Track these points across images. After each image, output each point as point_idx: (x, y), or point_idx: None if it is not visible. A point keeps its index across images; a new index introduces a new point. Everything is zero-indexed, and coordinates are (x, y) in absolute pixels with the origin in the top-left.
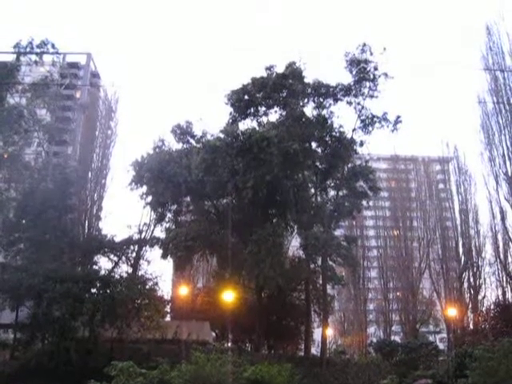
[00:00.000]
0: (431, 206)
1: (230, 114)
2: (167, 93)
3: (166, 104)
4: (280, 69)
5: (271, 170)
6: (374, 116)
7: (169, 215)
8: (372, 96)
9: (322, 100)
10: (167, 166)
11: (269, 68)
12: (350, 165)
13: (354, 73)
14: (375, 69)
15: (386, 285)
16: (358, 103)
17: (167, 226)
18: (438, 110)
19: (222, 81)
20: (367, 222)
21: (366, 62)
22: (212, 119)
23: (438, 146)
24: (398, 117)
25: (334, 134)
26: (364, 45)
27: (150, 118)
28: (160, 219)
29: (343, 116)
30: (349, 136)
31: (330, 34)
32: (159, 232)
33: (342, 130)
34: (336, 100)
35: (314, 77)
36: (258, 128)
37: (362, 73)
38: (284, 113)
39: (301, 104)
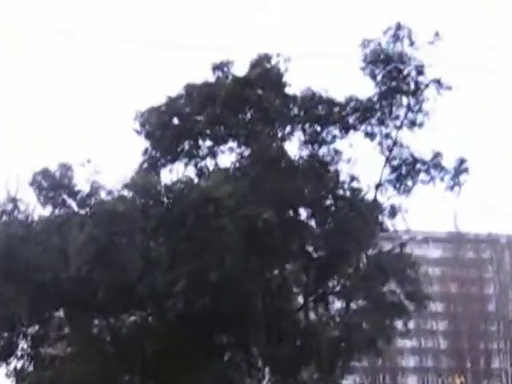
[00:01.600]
0: None
1: (146, 152)
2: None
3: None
4: (242, 69)
5: (221, 261)
6: (416, 160)
7: (23, 344)
8: (413, 123)
9: (318, 129)
10: (21, 249)
11: (219, 67)
12: (371, 251)
13: (379, 78)
14: (419, 72)
15: None
16: (387, 135)
17: (19, 365)
18: None
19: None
20: (405, 359)
21: (403, 59)
22: (112, 162)
23: None
24: (462, 162)
25: (340, 192)
26: (399, 27)
27: None
28: (5, 353)
29: (359, 158)
30: (369, 197)
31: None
32: (1, 377)
33: (355, 185)
34: (345, 129)
35: (304, 85)
36: (197, 180)
37: (395, 79)
38: (247, 152)
39: (279, 135)
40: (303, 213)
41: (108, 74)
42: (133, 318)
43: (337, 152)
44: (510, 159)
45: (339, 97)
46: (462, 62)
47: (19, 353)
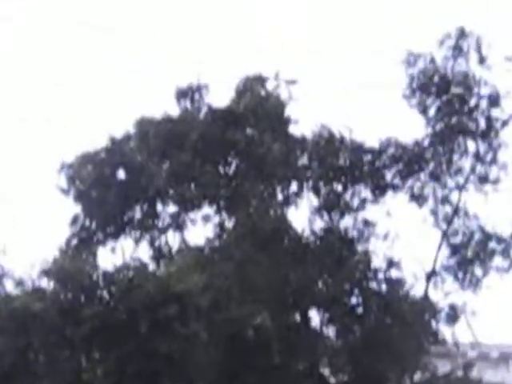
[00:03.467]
0: None
1: (76, 221)
2: None
3: None
4: (222, 97)
5: None
6: (488, 236)
7: None
8: (484, 180)
9: (339, 188)
10: None
11: (187, 93)
12: (419, 375)
13: (431, 113)
14: (493, 103)
15: None
16: (444, 199)
17: None
18: None
19: None
20: None
21: (468, 83)
22: (24, 236)
23: None
24: None
25: (372, 286)
26: (462, 34)
27: None
28: None
29: (401, 234)
30: (417, 292)
31: None
32: None
33: (395, 274)
34: (381, 189)
35: (318, 122)
36: (154, 265)
37: (457, 113)
38: (231, 222)
39: (279, 197)
40: (315, 316)
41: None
42: None
43: (367, 224)
44: None
45: (371, 140)
46: None
47: None
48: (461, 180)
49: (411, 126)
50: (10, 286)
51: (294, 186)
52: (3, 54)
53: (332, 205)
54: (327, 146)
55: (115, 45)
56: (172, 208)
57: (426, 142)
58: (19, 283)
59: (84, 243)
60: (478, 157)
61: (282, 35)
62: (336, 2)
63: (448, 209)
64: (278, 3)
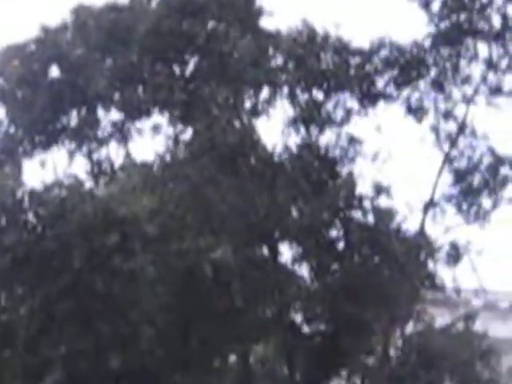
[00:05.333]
0: None
1: None
2: None
3: None
4: None
5: (132, 338)
6: (500, 159)
7: None
8: (497, 91)
9: (320, 96)
10: None
11: None
12: (412, 327)
13: (435, 8)
14: None
15: None
16: (448, 113)
17: None
18: None
19: None
20: None
21: None
22: None
23: None
24: None
25: (356, 216)
26: None
27: None
28: None
29: (394, 153)
30: (411, 226)
31: None
32: None
33: (385, 203)
34: (370, 99)
35: (296, 16)
36: (91, 183)
37: (465, 9)
38: (187, 134)
39: (247, 105)
40: (287, 251)
41: None
42: None
43: (353, 141)
44: None
45: (360, 40)
46: None
47: None
48: (469, 91)
49: (409, 24)
50: None
51: (265, 92)
52: None
53: (311, 116)
54: (307, 44)
55: None
56: (115, 115)
57: (428, 44)
58: None
59: (7, 154)
60: (490, 63)
61: None
62: None
63: (452, 126)
64: None
